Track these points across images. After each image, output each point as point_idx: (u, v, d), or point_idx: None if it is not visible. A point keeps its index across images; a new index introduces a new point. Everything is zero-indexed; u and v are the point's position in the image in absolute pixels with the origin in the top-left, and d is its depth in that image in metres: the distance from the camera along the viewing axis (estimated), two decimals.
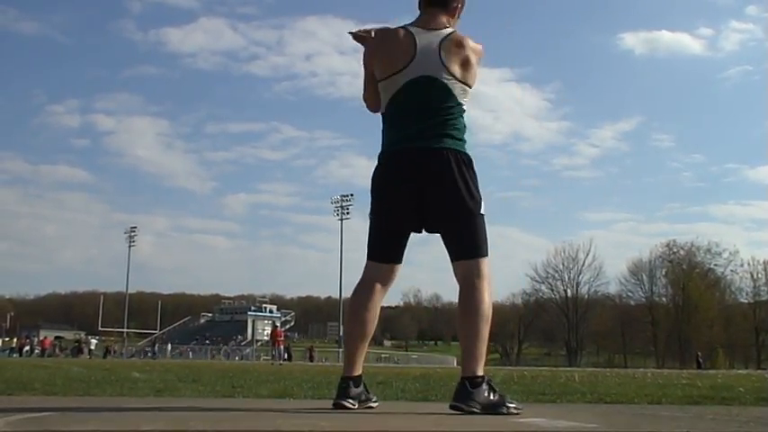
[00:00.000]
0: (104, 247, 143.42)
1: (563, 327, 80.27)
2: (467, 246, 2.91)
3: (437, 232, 2.97)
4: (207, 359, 49.90)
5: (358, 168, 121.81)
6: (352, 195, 56.98)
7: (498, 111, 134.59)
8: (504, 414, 2.76)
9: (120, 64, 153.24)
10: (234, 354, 62.93)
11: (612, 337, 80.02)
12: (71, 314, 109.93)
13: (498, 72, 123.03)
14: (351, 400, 2.88)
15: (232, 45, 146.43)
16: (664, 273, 78.51)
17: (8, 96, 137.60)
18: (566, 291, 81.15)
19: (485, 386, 2.79)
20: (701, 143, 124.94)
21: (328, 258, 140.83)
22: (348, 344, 3.01)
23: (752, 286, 74.55)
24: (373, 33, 3.08)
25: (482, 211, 2.93)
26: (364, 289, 2.99)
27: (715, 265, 76.47)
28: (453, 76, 2.92)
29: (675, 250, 77.90)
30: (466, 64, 2.95)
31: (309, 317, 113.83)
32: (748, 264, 74.72)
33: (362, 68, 3.10)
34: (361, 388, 2.97)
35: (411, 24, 3.03)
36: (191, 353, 61.36)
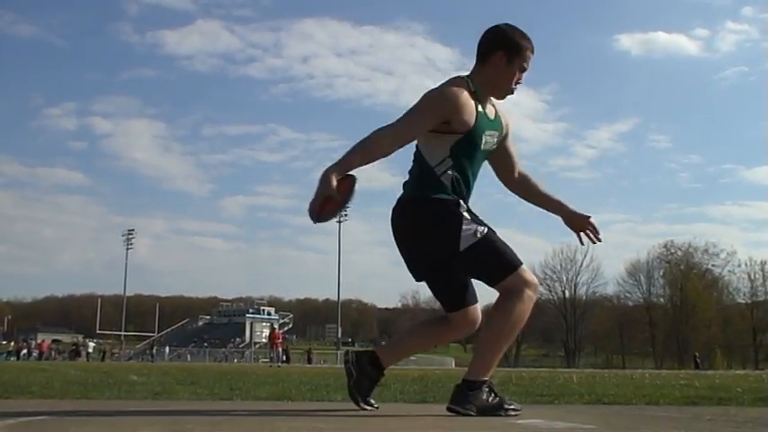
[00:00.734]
0: (102, 249, 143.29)
1: (561, 328, 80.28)
2: (485, 278, 2.85)
3: (446, 276, 2.95)
4: (205, 361, 49.85)
5: (355, 171, 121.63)
6: None
7: None
8: (502, 415, 2.77)
9: (117, 67, 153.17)
10: (232, 356, 62.90)
11: (610, 337, 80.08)
12: (69, 317, 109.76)
13: None
14: (354, 357, 3.03)
15: (229, 47, 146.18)
16: (661, 273, 78.62)
17: (5, 99, 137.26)
18: (564, 292, 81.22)
19: (485, 389, 2.80)
20: (698, 144, 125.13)
21: (326, 260, 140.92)
22: (393, 339, 3.29)
23: (749, 287, 74.74)
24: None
25: (473, 241, 2.76)
26: (434, 319, 3.14)
27: (713, 265, 76.67)
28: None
29: (673, 251, 78.08)
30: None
31: (307, 319, 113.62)
32: (746, 264, 74.97)
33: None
34: (375, 372, 3.04)
35: None
36: (189, 355, 61.33)
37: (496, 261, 2.82)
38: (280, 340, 30.17)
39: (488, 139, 2.92)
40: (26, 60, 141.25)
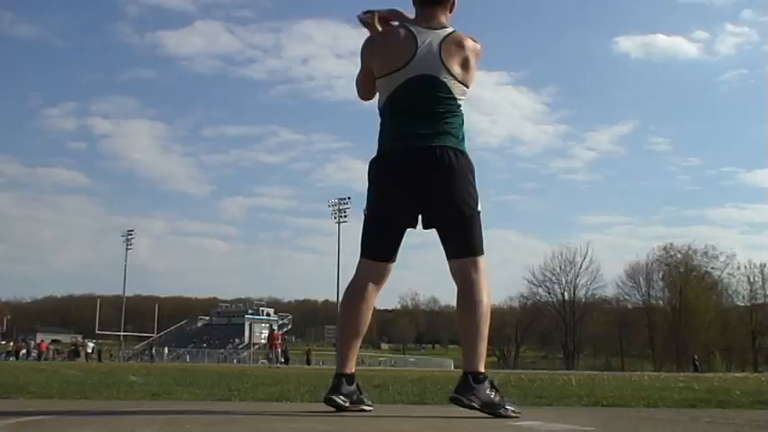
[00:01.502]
0: (101, 250, 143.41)
1: (560, 330, 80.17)
2: (465, 244, 2.93)
3: (432, 228, 2.97)
4: (204, 362, 49.82)
5: (355, 172, 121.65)
6: (349, 199, 57.03)
7: (495, 114, 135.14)
8: (502, 415, 2.77)
9: (117, 67, 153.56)
10: (231, 357, 62.86)
11: (610, 340, 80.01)
12: (68, 317, 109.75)
13: (496, 75, 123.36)
14: (342, 397, 2.88)
15: (229, 48, 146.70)
16: (661, 276, 78.58)
17: (5, 99, 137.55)
18: (563, 294, 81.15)
19: (487, 383, 2.81)
20: (698, 147, 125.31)
21: (326, 262, 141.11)
22: (341, 341, 3.01)
23: (748, 289, 74.64)
24: (377, 20, 3.14)
25: (479, 209, 2.95)
26: (357, 287, 2.99)
27: (712, 268, 76.60)
28: (452, 75, 2.95)
29: (672, 253, 78.02)
30: (465, 65, 2.98)
31: (307, 320, 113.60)
32: (745, 267, 74.89)
33: (360, 60, 3.12)
34: (353, 387, 2.97)
35: (411, 23, 3.05)
36: (188, 356, 61.28)
37: (481, 238, 2.97)
38: (279, 341, 30.19)
39: None
40: (26, 60, 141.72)
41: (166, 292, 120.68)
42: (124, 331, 72.82)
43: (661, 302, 78.77)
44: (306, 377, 8.69)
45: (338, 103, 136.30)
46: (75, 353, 51.36)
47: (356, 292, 2.99)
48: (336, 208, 57.11)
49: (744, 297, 75.30)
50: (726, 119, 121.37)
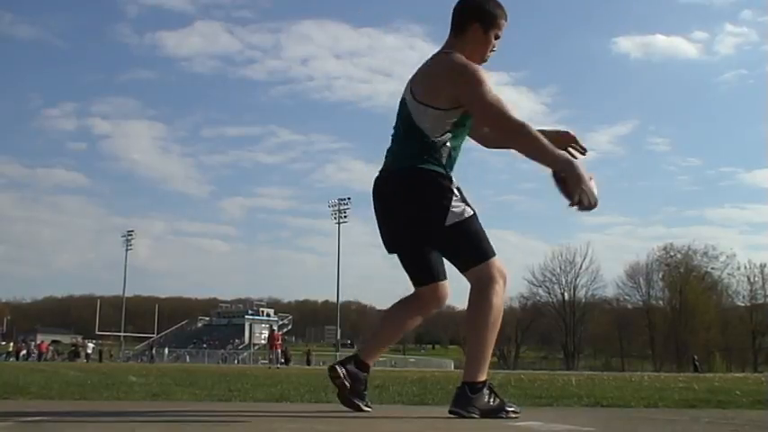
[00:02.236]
0: (101, 250, 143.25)
1: (560, 330, 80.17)
2: (456, 259, 2.88)
3: (423, 248, 2.95)
4: (204, 363, 49.82)
5: (355, 172, 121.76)
6: (349, 199, 57.00)
7: None
8: (502, 418, 2.76)
9: (117, 68, 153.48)
10: (231, 357, 62.85)
11: (610, 340, 80.00)
12: (68, 318, 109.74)
13: (495, 76, 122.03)
14: (344, 370, 2.92)
15: (228, 49, 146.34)
16: (661, 276, 78.56)
17: (4, 100, 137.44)
18: (563, 294, 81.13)
19: (485, 391, 2.79)
20: (697, 147, 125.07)
21: (326, 262, 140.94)
22: (370, 336, 3.17)
23: (749, 290, 74.63)
24: None
25: (457, 219, 2.78)
26: (404, 299, 3.08)
27: (712, 268, 76.59)
28: (414, 97, 2.86)
29: (672, 254, 78.02)
30: (431, 85, 2.82)
31: (307, 320, 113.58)
32: (745, 267, 74.85)
33: None
34: (363, 376, 2.99)
35: None
36: (188, 356, 61.29)
37: (475, 246, 2.84)
38: (279, 342, 30.19)
39: None
40: (25, 61, 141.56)
41: (166, 293, 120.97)
42: (124, 332, 72.80)
43: (661, 303, 78.77)
44: (306, 378, 8.69)
45: (338, 103, 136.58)
46: (75, 353, 51.35)
47: (401, 302, 3.08)
48: (336, 208, 57.08)
49: (744, 297, 75.39)
50: (725, 119, 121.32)
